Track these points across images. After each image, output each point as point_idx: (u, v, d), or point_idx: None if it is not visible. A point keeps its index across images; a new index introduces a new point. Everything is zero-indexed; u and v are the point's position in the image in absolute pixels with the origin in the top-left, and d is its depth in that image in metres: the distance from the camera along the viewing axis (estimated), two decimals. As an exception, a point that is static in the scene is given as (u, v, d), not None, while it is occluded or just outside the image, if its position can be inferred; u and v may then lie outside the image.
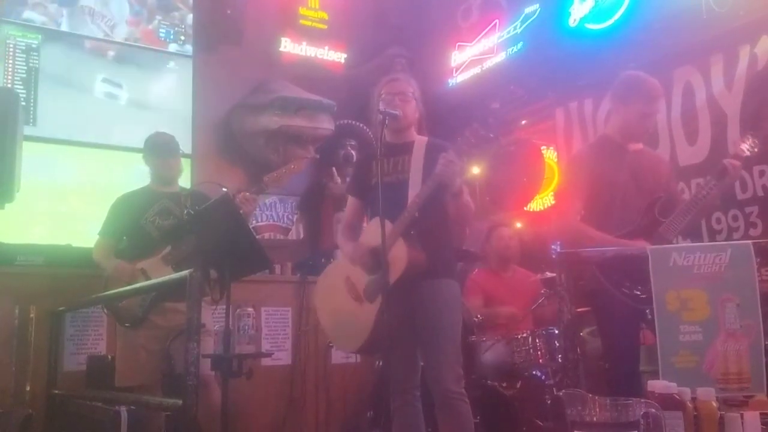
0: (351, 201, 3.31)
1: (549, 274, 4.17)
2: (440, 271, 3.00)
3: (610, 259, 2.73)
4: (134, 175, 5.01)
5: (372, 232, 2.92)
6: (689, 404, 1.98)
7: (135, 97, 5.31)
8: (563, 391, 1.99)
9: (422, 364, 3.05)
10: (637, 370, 2.82)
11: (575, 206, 3.05)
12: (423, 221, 2.89)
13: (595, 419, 1.77)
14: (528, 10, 5.34)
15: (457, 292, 3.09)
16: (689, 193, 3.90)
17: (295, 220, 5.84)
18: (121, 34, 5.37)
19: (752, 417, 2.01)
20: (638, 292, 2.73)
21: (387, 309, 2.66)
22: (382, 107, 3.00)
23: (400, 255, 2.85)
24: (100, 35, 5.27)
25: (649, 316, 2.60)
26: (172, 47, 5.55)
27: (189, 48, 5.60)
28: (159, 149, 3.80)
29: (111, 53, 5.26)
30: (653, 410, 1.78)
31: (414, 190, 2.94)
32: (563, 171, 4.00)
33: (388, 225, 2.82)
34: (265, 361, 4.35)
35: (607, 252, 2.75)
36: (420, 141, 3.12)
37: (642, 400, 1.82)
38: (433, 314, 2.94)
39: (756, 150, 3.00)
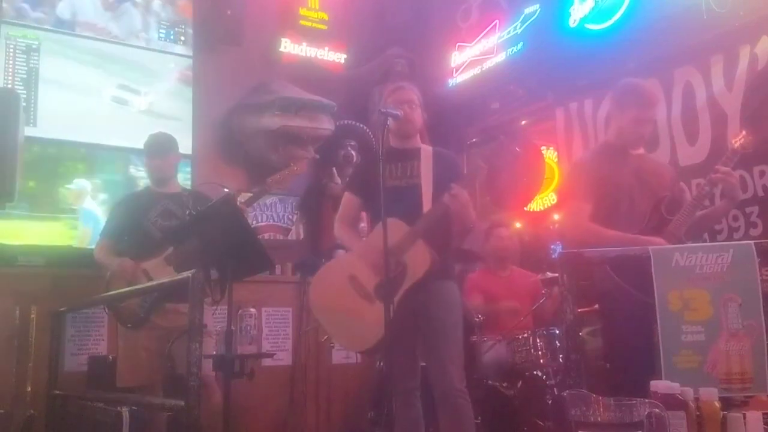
0: (349, 198, 3.30)
1: (549, 274, 4.18)
2: (442, 272, 3.03)
3: (624, 259, 2.71)
4: (134, 175, 5.04)
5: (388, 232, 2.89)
6: (692, 404, 1.99)
7: (134, 98, 5.30)
8: (567, 391, 1.99)
9: (423, 363, 3.06)
10: (650, 372, 2.80)
11: (583, 207, 3.04)
12: (432, 225, 2.91)
13: (599, 419, 1.77)
14: (528, 10, 5.34)
15: (458, 293, 3.15)
16: (690, 193, 3.91)
17: (295, 220, 5.83)
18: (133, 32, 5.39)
19: (755, 417, 2.02)
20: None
21: (388, 311, 2.66)
22: (384, 108, 3.01)
23: (423, 256, 2.88)
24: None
25: None
26: (172, 48, 5.54)
27: (189, 48, 5.59)
28: (151, 149, 3.81)
29: (110, 54, 5.25)
30: (657, 410, 1.79)
31: (427, 195, 3.00)
32: (567, 176, 4.00)
33: (404, 225, 2.87)
34: (266, 362, 4.36)
35: (610, 252, 2.74)
36: (426, 149, 3.19)
37: (646, 401, 1.82)
38: (436, 315, 2.97)
39: (749, 149, 2.99)
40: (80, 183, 4.93)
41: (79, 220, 4.85)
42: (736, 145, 2.98)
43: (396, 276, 2.86)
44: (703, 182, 2.99)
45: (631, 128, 3.12)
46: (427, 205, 2.98)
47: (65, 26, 5.12)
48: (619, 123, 3.16)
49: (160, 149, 3.80)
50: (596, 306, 3.18)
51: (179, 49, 5.54)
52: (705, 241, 3.76)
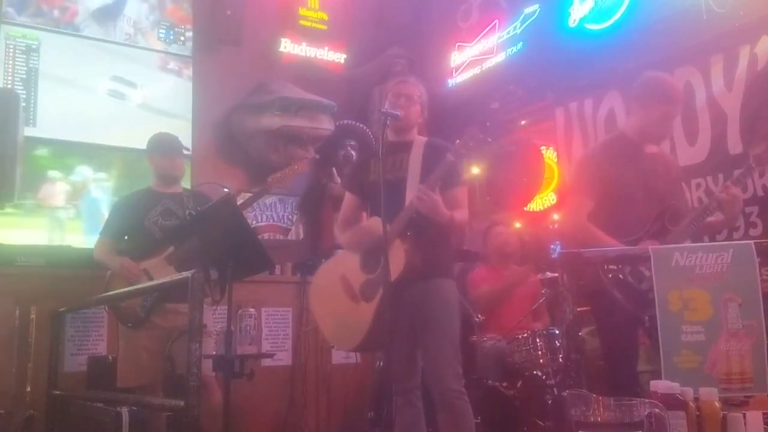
0: (348, 197, 3.32)
1: (549, 274, 4.18)
2: (436, 271, 3.02)
3: (617, 260, 2.71)
4: (134, 175, 5.04)
5: (371, 228, 2.93)
6: (692, 404, 1.98)
7: (135, 98, 5.31)
8: (567, 391, 1.99)
9: (422, 364, 3.06)
10: (635, 371, 2.82)
11: (585, 204, 3.02)
12: (419, 222, 2.90)
13: (599, 419, 1.77)
14: (528, 10, 5.34)
15: (454, 292, 3.10)
16: (688, 192, 3.91)
17: (295, 220, 5.83)
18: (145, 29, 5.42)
19: (755, 417, 2.01)
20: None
21: (388, 309, 2.67)
22: (385, 108, 3.01)
23: (397, 257, 2.86)
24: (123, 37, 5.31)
25: (647, 323, 2.63)
26: (172, 48, 5.54)
27: (189, 48, 5.59)
28: (166, 148, 3.79)
29: (111, 54, 5.25)
30: (657, 410, 1.78)
31: (412, 189, 2.96)
32: (573, 169, 3.98)
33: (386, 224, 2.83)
34: (266, 362, 4.35)
35: (609, 253, 2.74)
36: (419, 140, 3.15)
37: (646, 401, 1.82)
38: (430, 314, 2.96)
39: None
40: (82, 171, 4.95)
41: (83, 210, 4.89)
42: (752, 160, 2.95)
43: (377, 276, 2.89)
44: (710, 200, 2.94)
45: (657, 124, 3.08)
46: (410, 199, 2.94)
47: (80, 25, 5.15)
48: (642, 118, 3.11)
49: (173, 148, 3.80)
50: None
51: (179, 48, 5.55)
52: (705, 242, 3.77)
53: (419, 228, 2.92)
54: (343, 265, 3.14)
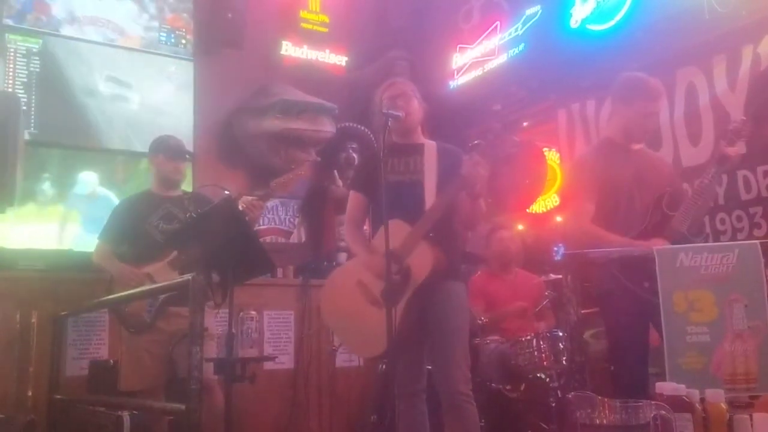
0: (354, 196, 3.25)
1: (553, 276, 4.16)
2: (449, 273, 3.00)
3: (629, 258, 2.70)
4: (135, 178, 5.03)
5: (390, 235, 2.87)
6: (698, 406, 1.96)
7: (136, 101, 5.30)
8: (572, 393, 1.97)
9: (429, 366, 3.04)
10: (647, 372, 2.80)
11: (586, 208, 3.02)
12: (437, 224, 2.89)
13: (604, 422, 1.75)
14: (529, 11, 5.33)
15: (465, 294, 3.10)
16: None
17: (296, 223, 5.82)
18: (132, 35, 5.39)
19: (762, 418, 2.00)
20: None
21: (389, 312, 2.63)
22: (385, 110, 2.99)
23: (425, 257, 2.84)
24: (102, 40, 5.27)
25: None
26: (173, 50, 5.53)
27: (189, 52, 5.59)
28: (170, 151, 3.76)
29: (113, 58, 5.25)
30: (663, 412, 1.77)
31: (430, 191, 2.94)
32: (570, 174, 3.98)
33: (406, 226, 2.83)
34: (268, 365, 4.34)
35: (612, 254, 2.73)
36: (430, 144, 3.13)
37: (652, 402, 1.80)
38: (443, 316, 2.94)
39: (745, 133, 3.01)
40: (87, 176, 4.96)
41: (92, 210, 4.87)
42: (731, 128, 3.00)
43: (400, 280, 2.83)
44: (712, 170, 2.94)
45: (639, 121, 3.11)
46: (429, 201, 2.93)
47: (64, 27, 5.13)
48: (626, 117, 3.13)
49: (177, 152, 3.78)
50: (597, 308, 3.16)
51: (180, 52, 5.54)
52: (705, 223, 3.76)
53: (437, 230, 2.90)
54: (358, 269, 3.05)
